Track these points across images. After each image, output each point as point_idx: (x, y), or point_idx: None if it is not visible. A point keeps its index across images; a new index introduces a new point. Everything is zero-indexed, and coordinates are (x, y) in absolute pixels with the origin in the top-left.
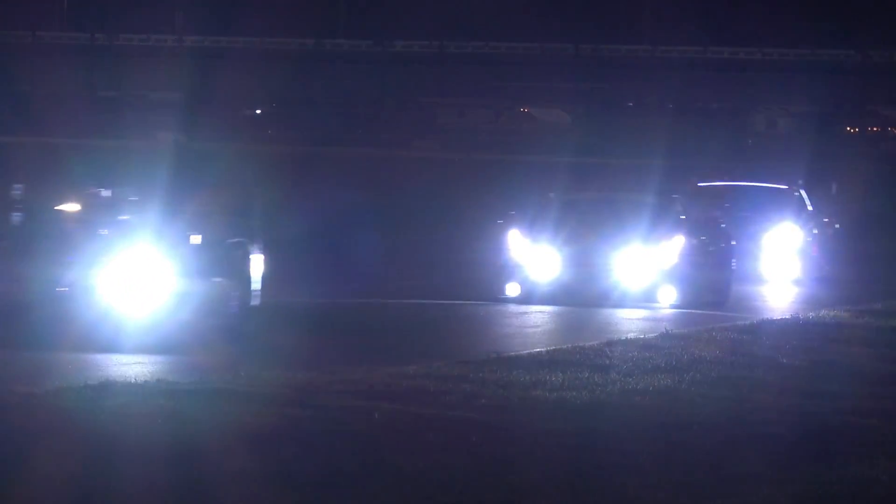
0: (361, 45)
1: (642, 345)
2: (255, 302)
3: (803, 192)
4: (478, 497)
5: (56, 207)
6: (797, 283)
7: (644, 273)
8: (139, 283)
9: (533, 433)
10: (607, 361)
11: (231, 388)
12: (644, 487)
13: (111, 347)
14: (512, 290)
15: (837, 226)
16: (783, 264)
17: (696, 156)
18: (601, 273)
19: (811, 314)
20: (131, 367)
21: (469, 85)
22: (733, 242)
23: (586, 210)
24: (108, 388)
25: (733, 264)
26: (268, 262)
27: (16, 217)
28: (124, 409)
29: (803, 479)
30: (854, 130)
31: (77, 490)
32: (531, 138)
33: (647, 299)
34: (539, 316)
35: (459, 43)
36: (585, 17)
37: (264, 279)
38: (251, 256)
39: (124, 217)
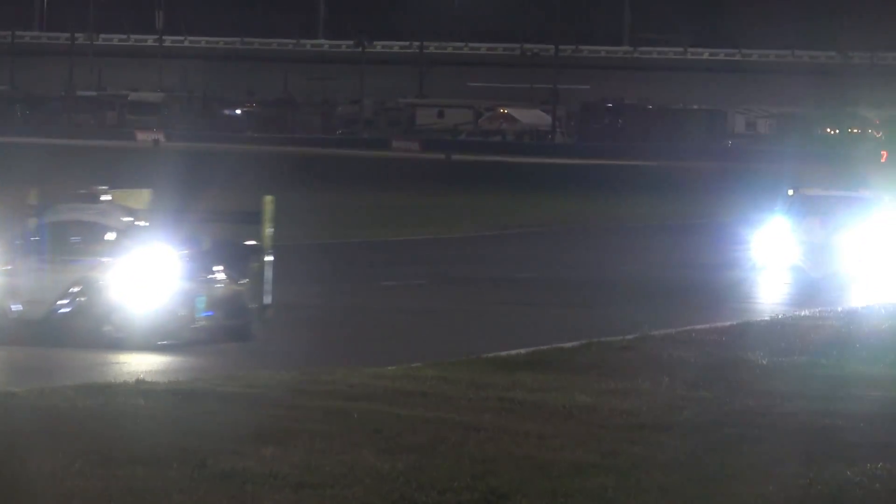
0: (342, 46)
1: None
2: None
3: None
4: (456, 498)
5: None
6: None
7: None
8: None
9: (511, 433)
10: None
11: (209, 389)
12: (623, 489)
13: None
14: None
15: None
16: None
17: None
18: None
19: None
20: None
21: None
22: None
23: None
24: (86, 388)
25: None
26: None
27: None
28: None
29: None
30: (834, 131)
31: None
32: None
33: None
34: None
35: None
36: (567, 20)
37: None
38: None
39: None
